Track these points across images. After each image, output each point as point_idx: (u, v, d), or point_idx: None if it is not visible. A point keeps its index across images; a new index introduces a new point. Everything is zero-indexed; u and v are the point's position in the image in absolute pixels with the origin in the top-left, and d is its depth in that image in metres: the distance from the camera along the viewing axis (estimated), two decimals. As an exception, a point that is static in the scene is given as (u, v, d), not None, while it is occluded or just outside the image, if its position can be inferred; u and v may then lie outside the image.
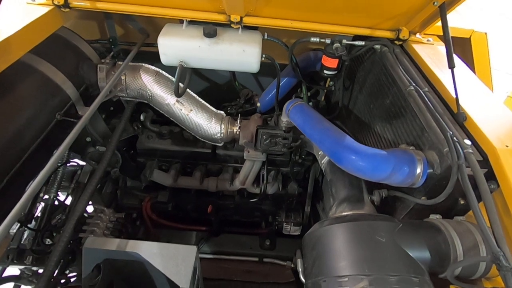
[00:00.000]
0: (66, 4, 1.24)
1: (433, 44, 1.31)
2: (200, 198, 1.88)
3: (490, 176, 0.83)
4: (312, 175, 1.87)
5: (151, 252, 0.99)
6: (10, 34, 1.06)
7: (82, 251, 1.01)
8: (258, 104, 1.86)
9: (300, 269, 0.99)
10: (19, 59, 1.10)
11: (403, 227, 0.85)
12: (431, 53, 1.23)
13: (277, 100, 1.68)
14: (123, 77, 1.45)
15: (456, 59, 1.27)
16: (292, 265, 1.96)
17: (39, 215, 1.67)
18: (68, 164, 1.86)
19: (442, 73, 1.11)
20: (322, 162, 1.23)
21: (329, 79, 1.95)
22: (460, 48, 1.48)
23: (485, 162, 0.84)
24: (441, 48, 1.32)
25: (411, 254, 0.80)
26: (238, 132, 1.53)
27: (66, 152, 1.82)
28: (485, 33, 1.48)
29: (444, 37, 1.02)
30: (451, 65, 0.99)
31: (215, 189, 1.79)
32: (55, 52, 1.33)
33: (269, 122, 1.59)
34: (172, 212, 1.90)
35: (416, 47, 1.28)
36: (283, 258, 1.98)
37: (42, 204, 1.68)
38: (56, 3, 1.23)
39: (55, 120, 1.26)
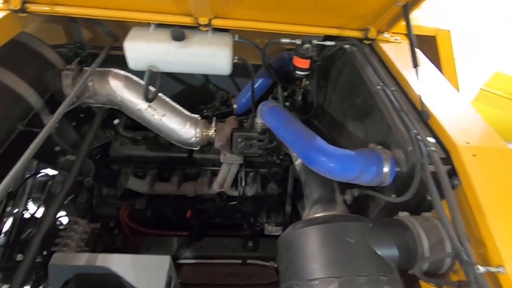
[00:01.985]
0: (23, 9, 1.18)
1: (400, 42, 1.34)
2: (179, 203, 1.85)
3: (453, 172, 0.85)
4: (291, 175, 1.87)
5: (123, 265, 0.96)
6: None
7: (48, 268, 0.96)
8: (235, 106, 1.84)
9: (282, 270, 0.98)
10: None
11: (372, 226, 0.86)
12: (398, 52, 1.26)
13: (252, 101, 1.68)
14: (90, 83, 1.40)
15: (422, 57, 1.31)
16: (275, 265, 1.97)
17: (8, 229, 1.59)
18: (39, 175, 1.78)
19: (408, 72, 1.13)
20: (296, 163, 1.23)
21: (305, 79, 1.95)
22: (427, 46, 1.51)
23: (447, 159, 0.86)
24: (408, 46, 1.34)
25: (380, 253, 0.81)
26: (213, 136, 1.51)
27: (35, 163, 1.75)
28: (449, 31, 1.53)
29: (408, 37, 1.04)
30: (415, 65, 1.01)
31: (193, 193, 1.77)
32: (14, 59, 1.26)
33: (244, 124, 1.58)
34: (151, 219, 1.87)
35: (384, 46, 1.30)
36: (266, 259, 1.99)
37: (11, 218, 1.60)
38: (12, 8, 1.17)
39: (17, 131, 1.20)
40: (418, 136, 0.86)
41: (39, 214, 1.65)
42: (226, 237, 2.04)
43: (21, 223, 1.58)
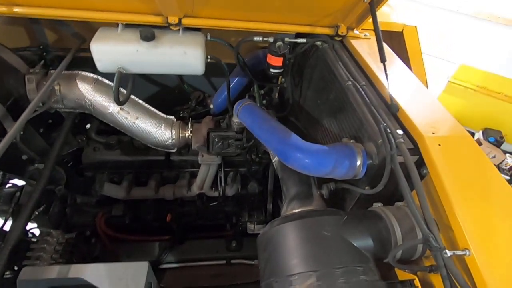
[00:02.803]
0: (-23, 10, 1.11)
1: (369, 38, 1.37)
2: (159, 207, 1.81)
3: (421, 162, 0.89)
4: (271, 173, 1.88)
5: (97, 274, 0.93)
6: None
7: (17, 284, 0.91)
8: (211, 106, 1.82)
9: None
10: None
11: (347, 219, 0.88)
12: (367, 47, 1.29)
13: (229, 100, 1.66)
14: (57, 87, 1.34)
15: (390, 52, 1.35)
16: (260, 263, 1.98)
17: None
18: (7, 186, 1.68)
19: (377, 67, 1.16)
20: (274, 161, 1.24)
21: (281, 76, 1.96)
22: (395, 41, 1.57)
23: (415, 149, 0.89)
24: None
25: (356, 244, 0.83)
26: (190, 137, 1.49)
27: (0, 173, 1.65)
28: (415, 26, 1.59)
29: (375, 33, 1.07)
30: (382, 59, 1.04)
31: (172, 197, 1.73)
32: (-29, 64, 1.18)
33: (221, 124, 1.56)
34: (130, 225, 1.81)
35: (354, 42, 1.33)
36: (251, 257, 1.98)
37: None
38: (-35, 9, 1.09)
39: (-25, 140, 1.13)
40: (387, 129, 0.89)
41: (6, 227, 1.57)
42: (209, 239, 2.02)
43: (-13, 238, 1.49)
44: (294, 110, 1.75)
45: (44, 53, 1.56)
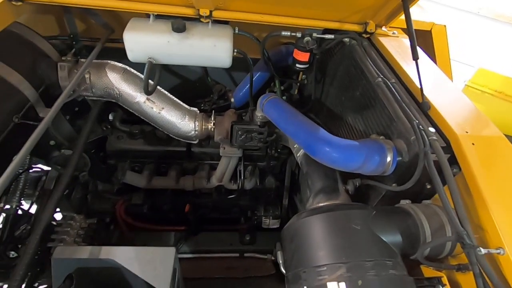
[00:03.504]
0: (18, -3, 1.14)
1: (398, 36, 1.36)
2: (177, 198, 1.84)
3: (453, 161, 0.88)
4: (288, 168, 1.89)
5: (127, 257, 0.96)
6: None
7: (51, 262, 0.95)
8: (232, 100, 1.84)
9: (280, 261, 1.00)
10: None
11: (376, 214, 0.88)
12: (396, 46, 1.28)
13: (251, 95, 1.68)
14: (87, 75, 1.37)
15: (419, 50, 1.34)
16: (273, 258, 1.99)
17: (0, 226, 1.55)
18: (31, 170, 1.74)
19: (407, 65, 1.16)
20: (298, 155, 1.24)
21: (301, 73, 1.97)
22: (422, 40, 1.55)
23: (448, 148, 0.89)
24: (405, 40, 1.37)
25: (384, 239, 0.84)
26: (212, 129, 1.51)
27: (28, 157, 1.70)
28: (444, 26, 1.57)
29: (408, 30, 1.07)
30: (415, 57, 1.03)
31: (192, 187, 1.76)
32: (8, 50, 1.22)
33: (243, 118, 1.57)
34: (148, 214, 1.85)
35: (382, 39, 1.32)
36: (264, 252, 2.00)
37: (3, 214, 1.56)
38: (6, -4, 1.13)
39: (12, 124, 1.17)
40: (420, 126, 0.89)
41: (32, 210, 1.62)
42: (223, 231, 2.05)
43: (13, 220, 1.54)
44: (314, 106, 1.75)
45: (74, 42, 1.59)
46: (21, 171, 1.62)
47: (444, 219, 0.87)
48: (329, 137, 0.98)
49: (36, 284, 1.37)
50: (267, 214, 1.94)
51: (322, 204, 0.99)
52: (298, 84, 2.03)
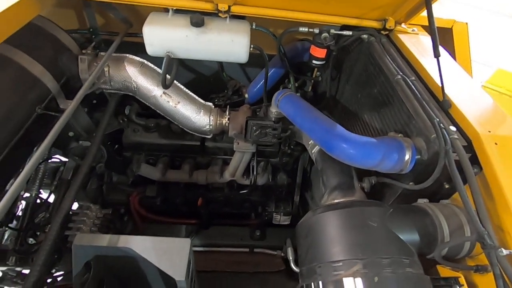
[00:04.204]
0: (42, -10, 1.17)
1: (417, 34, 1.34)
2: (190, 191, 1.86)
3: (474, 160, 0.87)
4: (300, 165, 1.89)
5: (145, 246, 0.98)
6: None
7: (72, 249, 0.98)
8: (246, 96, 1.84)
9: (290, 258, 1.01)
10: None
11: (393, 211, 0.88)
12: (416, 43, 1.26)
13: (265, 91, 1.68)
14: (106, 69, 1.39)
15: (440, 48, 1.31)
16: (282, 254, 2.00)
17: (20, 214, 1.60)
18: (49, 161, 1.79)
19: (427, 62, 1.14)
20: (313, 151, 1.24)
21: (316, 70, 1.96)
22: (442, 38, 1.52)
23: (469, 147, 0.88)
24: (425, 38, 1.35)
25: (401, 237, 0.83)
26: (227, 124, 1.52)
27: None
28: (466, 24, 1.53)
29: (430, 27, 1.05)
30: (437, 54, 1.01)
31: (205, 181, 1.78)
32: (31, 42, 1.25)
33: (258, 113, 1.58)
34: (161, 207, 1.88)
35: (402, 37, 1.30)
36: (273, 248, 2.01)
37: (23, 202, 1.61)
38: (31, -11, 1.16)
39: (35, 114, 1.20)
40: (441, 124, 0.87)
41: (50, 199, 1.66)
42: (233, 226, 2.06)
43: (33, 208, 1.59)
44: (328, 104, 1.74)
45: (93, 36, 1.62)
46: (40, 161, 1.67)
47: (463, 219, 0.86)
48: (346, 134, 0.98)
49: (53, 271, 1.41)
50: (278, 210, 1.95)
51: (337, 201, 0.98)
52: (312, 81, 2.02)
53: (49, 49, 1.34)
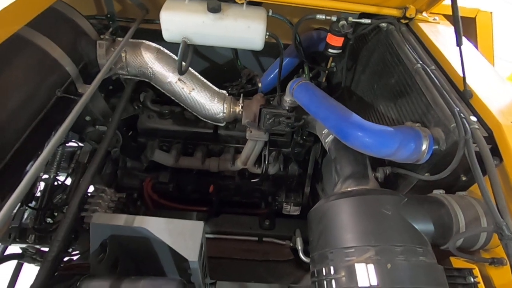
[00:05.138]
0: (63, -25, 1.18)
1: (439, 23, 1.30)
2: (201, 179, 1.89)
3: (494, 151, 0.85)
4: (312, 156, 1.88)
5: (159, 227, 1.00)
6: (5, 6, 1.01)
7: (90, 226, 1.01)
8: (260, 85, 1.84)
9: (299, 248, 1.01)
10: (17, 33, 1.06)
11: (408, 201, 0.87)
12: (437, 32, 1.23)
13: (279, 80, 1.67)
14: (123, 54, 1.41)
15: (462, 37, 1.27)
16: (291, 244, 2.02)
17: (39, 194, 1.66)
18: (66, 145, 1.84)
19: (448, 52, 1.11)
20: (326, 140, 1.23)
21: (331, 60, 1.93)
22: (465, 27, 1.46)
23: (490, 138, 0.86)
24: (446, 27, 1.31)
25: (415, 226, 0.83)
26: (240, 112, 1.52)
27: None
28: (491, 13, 1.48)
29: (453, 14, 1.01)
30: (459, 43, 0.98)
31: (217, 169, 1.80)
32: (52, 26, 1.28)
33: (271, 102, 1.58)
34: (173, 193, 1.91)
35: (422, 25, 1.27)
36: (282, 238, 2.02)
37: (42, 183, 1.67)
38: (52, -27, 1.18)
39: (55, 97, 1.23)
40: (461, 114, 0.86)
41: (67, 182, 1.72)
42: (243, 215, 2.08)
43: (51, 189, 1.65)
44: (343, 94, 1.72)
45: (110, 22, 1.64)
46: (59, 143, 1.72)
47: (480, 210, 0.85)
48: (362, 122, 0.97)
49: (70, 250, 1.47)
50: (288, 200, 1.95)
51: (351, 189, 0.98)
52: (326, 72, 2.00)
53: (68, 34, 1.36)
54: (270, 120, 1.41)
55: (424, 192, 0.99)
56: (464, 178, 0.96)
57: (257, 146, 1.65)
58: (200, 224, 1.02)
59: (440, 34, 1.21)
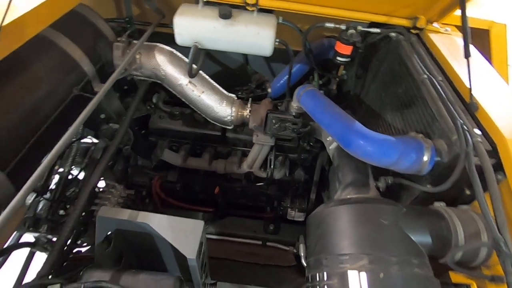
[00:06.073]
0: (85, -20, 1.26)
1: (450, 34, 1.29)
2: (208, 180, 1.93)
3: (498, 166, 0.83)
4: (319, 163, 1.88)
5: (161, 224, 1.03)
6: (30, 9, 1.09)
7: (96, 219, 1.06)
8: (269, 90, 1.86)
9: (302, 254, 1.02)
10: (41, 33, 1.13)
11: (406, 212, 0.86)
12: (447, 43, 1.22)
13: (288, 86, 1.69)
14: (138, 56, 1.48)
15: (473, 49, 1.25)
16: (295, 250, 2.01)
17: (54, 187, 1.74)
18: (82, 140, 1.92)
19: (457, 63, 1.10)
20: (330, 147, 1.24)
21: (342, 68, 1.93)
22: (479, 40, 1.44)
23: (494, 152, 0.84)
24: (459, 38, 1.29)
25: (413, 238, 0.82)
26: (248, 116, 1.55)
27: (81, 128, 1.88)
28: (505, 25, 1.44)
29: (462, 25, 1.01)
30: (467, 54, 0.98)
31: (223, 171, 1.83)
32: (73, 28, 1.35)
33: (279, 108, 1.60)
34: (180, 192, 1.96)
35: (433, 36, 1.26)
36: (286, 243, 2.02)
37: (57, 176, 1.74)
38: (75, -22, 1.25)
39: (72, 95, 1.30)
40: (464, 126, 0.85)
41: (80, 176, 1.79)
42: (248, 218, 2.10)
43: (65, 182, 1.72)
44: (352, 103, 1.72)
45: (128, 25, 1.71)
46: (74, 139, 1.80)
47: (481, 225, 0.83)
48: (364, 130, 0.98)
49: (79, 242, 1.53)
50: (293, 206, 1.96)
51: (351, 196, 0.99)
52: (337, 79, 2.00)
53: (88, 36, 1.44)
54: (276, 125, 1.43)
55: (427, 204, 0.98)
56: (467, 192, 0.94)
57: (263, 150, 1.67)
58: (200, 223, 1.05)
59: (450, 46, 1.20)
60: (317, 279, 0.82)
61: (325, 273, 0.81)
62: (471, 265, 0.85)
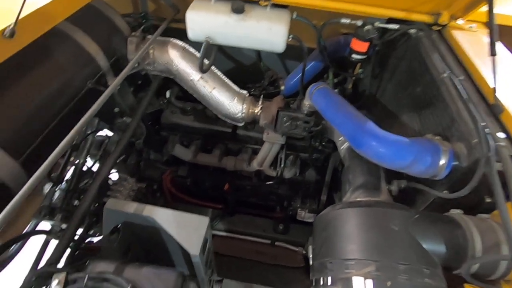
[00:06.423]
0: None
1: (476, 31, 1.21)
2: (218, 176, 1.92)
3: (523, 173, 0.77)
4: (331, 164, 1.83)
5: (166, 218, 1.03)
6: (46, 2, 1.11)
7: (103, 211, 1.07)
8: (282, 87, 1.83)
9: (310, 256, 0.99)
10: (56, 26, 1.15)
11: (419, 218, 0.82)
12: (472, 41, 1.14)
13: (301, 84, 1.65)
14: (151, 51, 1.49)
15: (501, 48, 1.17)
16: (304, 252, 1.98)
17: (69, 178, 1.79)
18: (97, 134, 1.96)
19: (481, 62, 1.02)
20: (342, 148, 1.20)
21: (359, 66, 1.87)
22: (507, 37, 1.34)
23: (519, 158, 0.78)
24: (485, 36, 1.21)
25: (424, 246, 0.77)
26: (259, 113, 1.53)
27: (96, 121, 1.92)
28: (538, 22, 1.34)
29: (489, 21, 0.94)
30: (493, 53, 0.91)
31: (233, 168, 1.82)
32: (89, 22, 1.38)
33: (291, 106, 1.56)
34: (191, 188, 1.97)
35: (456, 33, 1.18)
36: (295, 244, 1.99)
37: (73, 168, 1.79)
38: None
39: (86, 87, 1.32)
40: (486, 129, 0.79)
41: (94, 168, 1.84)
42: (258, 217, 2.09)
43: (80, 173, 1.77)
44: (367, 102, 1.66)
45: (143, 20, 1.73)
46: (89, 132, 1.85)
47: (501, 237, 0.77)
48: (377, 131, 0.93)
49: (91, 232, 1.56)
50: (303, 206, 1.92)
51: (360, 199, 0.94)
52: (353, 78, 1.94)
53: (104, 30, 1.46)
54: (287, 123, 1.40)
55: (443, 210, 0.92)
56: (488, 200, 0.88)
57: (273, 149, 1.65)
58: (205, 220, 1.04)
59: (475, 44, 1.12)
60: (321, 283, 0.80)
61: (329, 278, 0.78)
62: (488, 278, 0.80)
